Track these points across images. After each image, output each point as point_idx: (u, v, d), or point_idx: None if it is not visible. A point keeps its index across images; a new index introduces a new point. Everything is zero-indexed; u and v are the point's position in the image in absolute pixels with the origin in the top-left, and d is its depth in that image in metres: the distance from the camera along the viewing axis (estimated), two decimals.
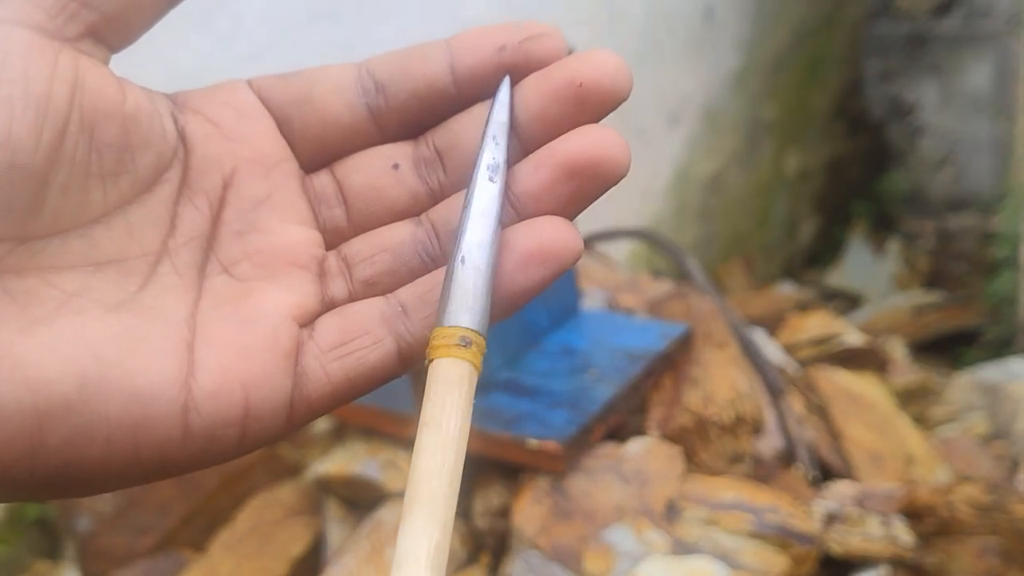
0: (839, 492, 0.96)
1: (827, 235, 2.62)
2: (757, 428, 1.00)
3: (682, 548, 0.85)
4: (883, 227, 2.59)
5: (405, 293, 0.25)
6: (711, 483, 0.91)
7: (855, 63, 2.61)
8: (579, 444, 0.88)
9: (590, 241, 1.38)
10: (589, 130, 0.25)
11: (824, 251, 2.61)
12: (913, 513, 0.92)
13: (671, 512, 0.87)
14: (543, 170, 0.25)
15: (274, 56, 1.25)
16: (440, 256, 0.26)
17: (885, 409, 1.18)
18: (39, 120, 0.22)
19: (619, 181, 0.25)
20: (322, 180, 0.27)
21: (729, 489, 0.89)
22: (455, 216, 0.25)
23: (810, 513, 0.89)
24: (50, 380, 0.21)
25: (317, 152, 0.27)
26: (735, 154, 2.26)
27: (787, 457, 1.04)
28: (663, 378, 0.98)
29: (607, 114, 0.26)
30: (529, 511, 0.85)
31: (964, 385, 1.36)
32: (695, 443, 0.94)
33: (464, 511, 0.90)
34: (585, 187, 0.25)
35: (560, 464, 0.86)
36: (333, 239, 0.27)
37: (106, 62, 0.26)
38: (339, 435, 0.98)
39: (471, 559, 0.89)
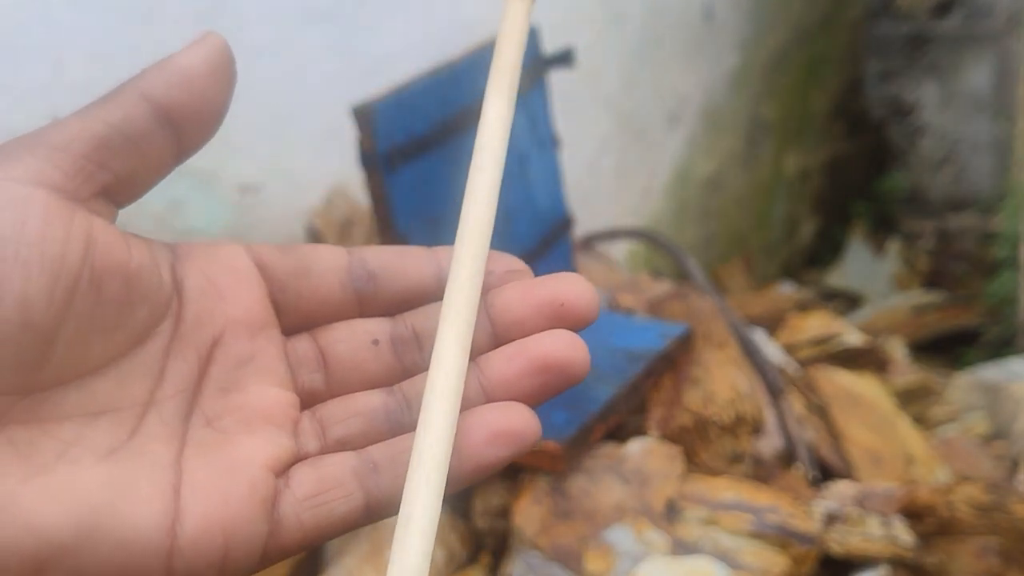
0: (839, 492, 0.96)
1: (827, 235, 2.62)
2: (757, 428, 1.00)
3: (682, 548, 0.85)
4: (883, 227, 2.59)
5: (377, 452, 0.27)
6: (711, 483, 0.91)
7: (855, 63, 2.61)
8: (579, 444, 0.88)
9: (590, 241, 1.38)
10: (561, 334, 0.28)
11: (824, 251, 2.61)
12: (913, 513, 0.92)
13: (671, 512, 0.87)
14: (516, 362, 0.28)
15: (274, 56, 1.25)
16: (411, 424, 0.28)
17: (885, 409, 1.18)
18: (53, 281, 0.24)
19: (579, 382, 0.28)
20: (304, 345, 0.29)
21: (729, 489, 0.89)
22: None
23: (810, 513, 0.89)
24: (50, 527, 0.23)
25: (302, 320, 0.29)
26: (735, 154, 2.26)
27: (787, 457, 1.04)
28: (663, 378, 0.98)
29: (579, 330, 0.29)
30: (529, 511, 0.85)
31: (964, 385, 1.36)
32: (695, 443, 0.94)
33: (464, 511, 0.90)
34: (551, 383, 0.28)
35: (560, 464, 0.86)
36: (309, 400, 0.29)
37: (114, 219, 0.28)
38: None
39: (471, 559, 0.89)
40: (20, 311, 0.23)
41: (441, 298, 0.29)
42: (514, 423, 0.27)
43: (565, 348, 0.28)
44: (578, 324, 0.28)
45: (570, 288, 0.28)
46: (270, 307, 0.29)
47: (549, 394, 0.28)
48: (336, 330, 0.29)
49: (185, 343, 0.27)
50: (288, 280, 0.29)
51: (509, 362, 0.28)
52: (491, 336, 0.29)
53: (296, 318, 0.29)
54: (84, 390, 0.25)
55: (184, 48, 0.28)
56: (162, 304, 0.27)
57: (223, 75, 0.28)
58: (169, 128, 0.27)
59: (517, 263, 0.30)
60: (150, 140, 0.27)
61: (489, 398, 0.28)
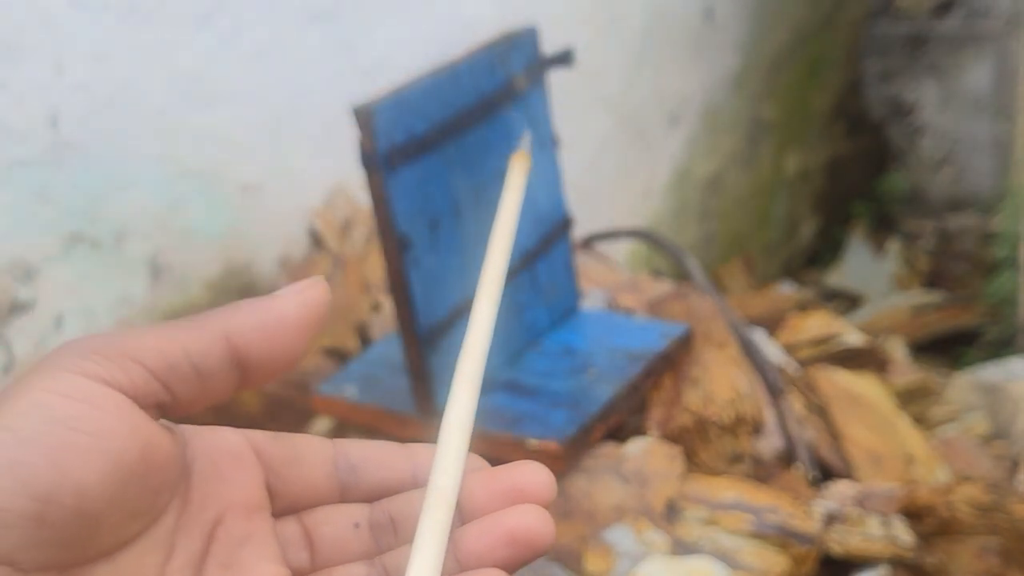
0: (839, 492, 0.96)
1: (827, 235, 2.62)
2: (757, 428, 1.00)
3: (682, 548, 0.85)
4: (883, 227, 2.59)
5: None
6: (711, 483, 0.91)
7: (855, 63, 2.61)
8: (579, 444, 0.88)
9: (590, 241, 1.38)
10: (528, 509, 0.30)
11: (824, 251, 2.60)
12: (913, 513, 0.92)
13: (671, 512, 0.87)
14: (487, 537, 0.30)
15: (274, 56, 1.25)
16: None
17: (885, 409, 1.18)
18: (110, 474, 0.27)
19: (546, 553, 0.31)
20: (292, 527, 0.32)
21: (729, 489, 0.89)
22: (404, 563, 0.30)
23: (810, 513, 0.89)
24: None
25: (290, 503, 0.32)
26: (735, 154, 2.26)
27: (787, 457, 1.04)
28: (663, 378, 0.98)
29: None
30: None
31: (964, 385, 1.36)
32: (695, 443, 0.94)
33: None
34: (521, 554, 0.30)
35: (560, 464, 0.86)
36: (296, 574, 0.32)
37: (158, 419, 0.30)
38: (339, 435, 0.98)
39: None
40: (76, 498, 0.26)
41: (413, 488, 0.32)
42: (526, 525, 0.30)
43: (532, 522, 0.30)
44: (542, 504, 0.31)
45: (529, 476, 0.31)
46: (265, 491, 0.31)
47: (519, 564, 0.30)
48: (321, 513, 0.32)
49: (192, 521, 0.30)
50: (281, 467, 0.32)
51: (481, 537, 0.30)
52: (458, 518, 0.31)
53: (285, 501, 0.32)
54: (111, 564, 0.28)
55: (285, 292, 0.31)
56: (179, 487, 0.30)
57: (311, 330, 0.31)
58: (239, 370, 0.30)
59: (478, 461, 0.33)
60: (217, 376, 0.30)
61: (463, 567, 0.30)
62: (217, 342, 0.29)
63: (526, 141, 0.45)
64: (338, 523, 0.32)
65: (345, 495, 0.32)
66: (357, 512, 0.32)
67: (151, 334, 0.29)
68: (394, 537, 0.32)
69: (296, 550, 0.31)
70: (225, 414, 1.09)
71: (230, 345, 0.29)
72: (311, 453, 0.32)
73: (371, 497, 0.32)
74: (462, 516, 0.31)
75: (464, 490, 0.31)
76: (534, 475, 0.31)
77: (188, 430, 0.31)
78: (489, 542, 0.30)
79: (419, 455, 0.33)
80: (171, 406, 0.29)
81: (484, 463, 0.33)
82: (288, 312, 0.30)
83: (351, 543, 0.32)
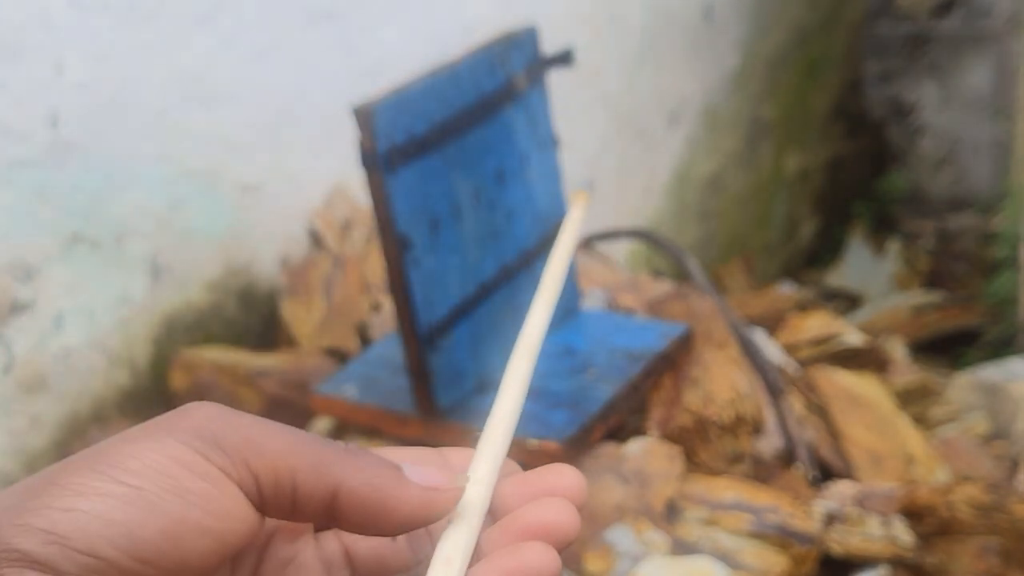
0: (839, 492, 0.96)
1: (827, 235, 2.62)
2: (757, 428, 1.00)
3: (682, 548, 0.85)
4: (883, 227, 2.59)
5: None
6: (711, 483, 0.91)
7: (855, 63, 2.61)
8: (579, 444, 0.88)
9: (590, 241, 1.38)
10: (550, 502, 0.31)
11: (824, 251, 2.60)
12: (913, 513, 0.92)
13: (671, 512, 0.87)
14: (508, 533, 0.31)
15: (274, 56, 1.25)
16: None
17: (885, 409, 1.18)
18: (213, 553, 0.28)
19: (571, 543, 0.31)
20: (332, 544, 0.33)
21: (729, 489, 0.89)
22: None
23: (810, 513, 0.89)
24: None
25: (326, 523, 0.32)
26: (735, 154, 2.26)
27: (787, 457, 1.04)
28: (663, 378, 0.98)
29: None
30: None
31: (964, 385, 1.36)
32: (695, 443, 0.94)
33: None
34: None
35: None
36: None
37: None
38: (339, 435, 0.98)
39: None
40: (175, 569, 0.27)
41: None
42: (529, 561, 0.30)
43: (553, 515, 0.31)
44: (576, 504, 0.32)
45: (560, 479, 0.32)
46: None
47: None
48: None
49: (246, 549, 0.31)
50: None
51: (502, 534, 0.31)
52: (490, 520, 0.32)
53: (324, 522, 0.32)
54: None
55: (413, 477, 0.31)
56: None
57: (410, 529, 0.31)
58: (326, 520, 0.30)
59: (512, 465, 0.34)
60: (305, 515, 0.30)
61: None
62: (325, 491, 0.29)
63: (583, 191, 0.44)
64: (375, 538, 0.32)
65: None
66: None
67: (272, 443, 0.29)
68: (430, 546, 0.31)
69: (337, 568, 0.32)
70: None
71: (335, 501, 0.29)
72: None
73: None
74: (494, 518, 0.31)
75: (496, 494, 0.31)
76: (565, 477, 0.32)
77: None
78: (510, 537, 0.30)
79: (452, 458, 0.33)
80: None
81: (517, 467, 0.33)
82: (401, 510, 0.30)
83: (388, 556, 0.32)
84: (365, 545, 0.32)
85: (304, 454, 0.29)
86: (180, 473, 0.27)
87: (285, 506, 0.29)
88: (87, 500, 0.26)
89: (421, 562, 0.32)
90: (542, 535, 0.30)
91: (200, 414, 0.29)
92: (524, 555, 0.29)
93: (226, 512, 0.28)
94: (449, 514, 0.30)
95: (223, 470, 0.28)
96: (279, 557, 0.31)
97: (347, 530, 0.30)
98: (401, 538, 0.32)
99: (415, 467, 0.30)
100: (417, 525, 0.30)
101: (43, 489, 0.27)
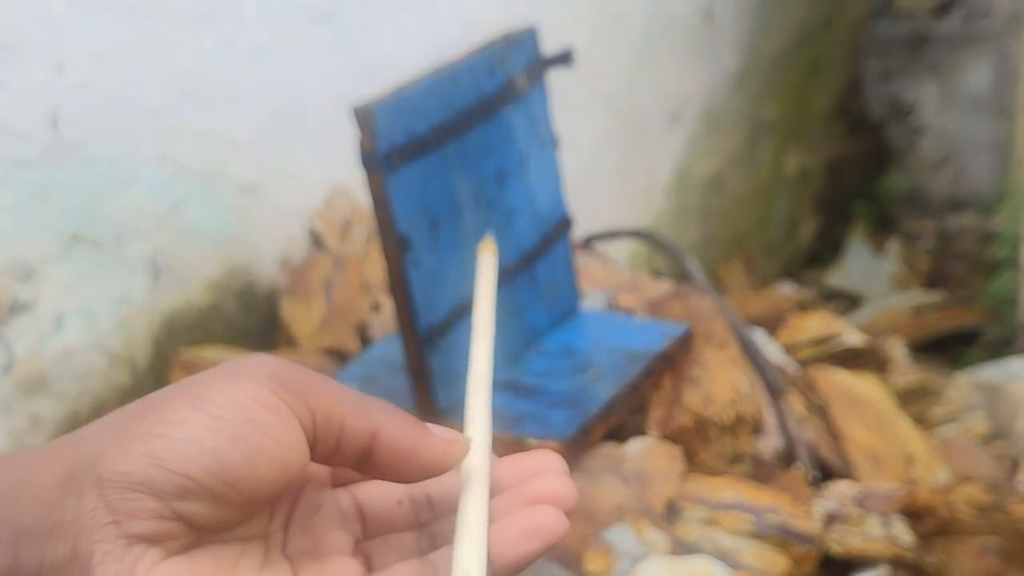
0: (839, 492, 0.96)
1: (827, 235, 2.62)
2: (757, 428, 1.00)
3: (682, 548, 0.85)
4: (883, 227, 2.59)
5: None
6: (711, 483, 0.91)
7: (855, 63, 2.61)
8: (579, 444, 0.88)
9: (590, 241, 1.38)
10: (550, 478, 0.35)
11: (824, 251, 2.60)
12: (913, 513, 0.92)
13: (671, 512, 0.87)
14: (514, 501, 0.34)
15: (274, 56, 1.25)
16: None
17: (885, 409, 1.18)
18: (279, 478, 0.32)
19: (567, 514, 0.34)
20: (347, 500, 0.36)
21: (729, 489, 0.89)
22: (448, 531, 0.35)
23: (810, 513, 0.89)
24: None
25: (341, 479, 0.37)
26: (735, 154, 2.26)
27: (787, 457, 1.04)
28: (663, 378, 0.98)
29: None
30: None
31: (964, 385, 1.36)
32: (695, 443, 0.94)
33: None
34: (545, 513, 0.34)
35: None
36: (355, 541, 0.37)
37: None
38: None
39: None
40: (252, 490, 0.31)
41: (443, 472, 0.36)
42: (543, 521, 0.33)
43: (556, 486, 0.35)
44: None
45: (544, 460, 0.36)
46: (326, 468, 0.36)
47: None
48: (368, 489, 0.37)
49: (286, 491, 0.34)
50: None
51: (512, 499, 0.34)
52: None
53: (337, 476, 0.37)
54: (244, 527, 0.33)
55: (439, 434, 0.36)
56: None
57: (427, 477, 0.35)
58: (360, 462, 0.35)
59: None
60: (344, 455, 0.34)
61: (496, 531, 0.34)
62: (367, 433, 0.33)
63: (490, 237, 0.46)
64: (385, 500, 0.36)
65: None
66: (399, 490, 0.36)
67: (326, 389, 0.33)
68: (431, 512, 0.36)
69: (351, 521, 0.36)
70: None
71: (373, 442, 0.33)
72: None
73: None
74: (493, 493, 0.35)
75: (491, 475, 0.35)
76: (549, 459, 0.36)
77: None
78: (519, 504, 0.34)
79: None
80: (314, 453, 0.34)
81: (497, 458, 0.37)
82: (425, 456, 0.34)
83: (396, 517, 0.36)
84: (375, 504, 0.36)
85: (351, 400, 0.33)
86: (257, 408, 0.31)
87: (331, 444, 0.33)
88: (181, 428, 0.30)
89: (423, 524, 0.36)
90: (548, 502, 0.34)
91: (266, 360, 0.33)
92: (538, 515, 0.33)
93: (290, 445, 0.31)
94: (458, 464, 0.35)
95: (289, 406, 0.32)
96: (308, 504, 0.35)
97: (375, 474, 0.34)
98: (406, 500, 0.36)
99: (433, 425, 0.35)
100: (435, 472, 0.34)
101: (140, 417, 0.31)
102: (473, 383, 0.41)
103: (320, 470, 0.36)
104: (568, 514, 0.34)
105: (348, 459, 0.34)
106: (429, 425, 0.35)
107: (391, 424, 0.34)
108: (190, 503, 0.30)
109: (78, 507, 0.29)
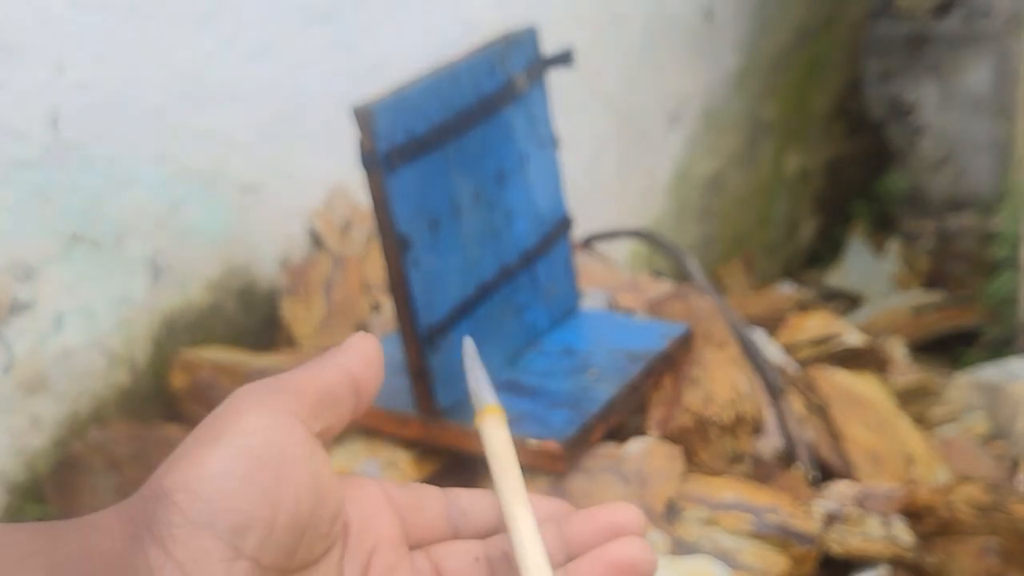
0: (839, 492, 0.96)
1: (827, 235, 2.62)
2: (757, 428, 1.00)
3: (682, 548, 0.85)
4: (883, 227, 2.59)
5: None
6: (711, 483, 0.91)
7: (855, 63, 2.61)
8: (579, 444, 0.88)
9: (590, 241, 1.38)
10: (631, 540, 0.35)
11: (824, 251, 2.60)
12: (913, 513, 0.93)
13: (671, 512, 0.87)
14: (595, 565, 0.35)
15: (274, 56, 1.25)
16: None
17: (885, 409, 1.18)
18: (313, 497, 0.33)
19: None
20: (422, 560, 0.37)
21: (729, 489, 0.89)
22: None
23: (810, 513, 0.89)
24: None
25: (416, 541, 0.37)
26: (735, 154, 2.26)
27: (787, 457, 1.04)
28: (663, 378, 0.98)
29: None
30: None
31: (964, 385, 1.36)
32: (695, 443, 0.94)
33: None
34: None
35: (560, 464, 0.86)
36: None
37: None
38: (339, 435, 0.98)
39: None
40: (294, 511, 0.32)
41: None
42: (631, 554, 0.35)
43: (635, 552, 0.35)
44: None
45: (622, 515, 0.36)
46: (400, 529, 0.37)
47: None
48: (443, 548, 0.37)
49: (353, 553, 0.35)
50: (407, 511, 0.38)
51: (592, 564, 0.35)
52: (565, 553, 0.36)
53: (412, 539, 0.37)
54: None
55: (357, 338, 0.38)
56: (342, 521, 0.36)
57: (380, 362, 0.38)
58: (356, 396, 0.37)
59: (563, 504, 0.38)
60: (345, 403, 0.36)
61: None
62: (343, 374, 0.36)
63: (489, 396, 0.41)
64: (460, 557, 0.37)
65: (457, 534, 0.38)
66: (474, 548, 0.37)
67: (301, 375, 0.35)
68: (508, 569, 0.37)
69: None
70: None
71: (350, 376, 0.36)
72: (430, 499, 0.38)
73: (479, 535, 0.38)
74: (570, 554, 0.36)
75: (566, 533, 0.36)
76: (628, 514, 0.36)
77: (342, 479, 0.37)
78: (597, 570, 0.35)
79: (462, 500, 0.39)
80: (323, 434, 0.36)
81: (569, 505, 0.38)
82: (370, 347, 0.37)
83: (473, 575, 0.37)
84: (451, 563, 0.37)
85: (314, 366, 0.36)
86: (281, 437, 0.33)
87: (332, 411, 0.35)
88: (211, 465, 0.31)
89: None
90: (629, 571, 0.35)
91: (260, 385, 0.35)
92: (621, 548, 0.34)
93: (315, 465, 0.33)
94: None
95: (298, 416, 0.34)
96: (382, 565, 0.36)
97: (366, 399, 0.37)
98: (482, 558, 0.37)
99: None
100: (380, 362, 0.38)
101: (171, 470, 0.32)
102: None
103: (393, 531, 0.37)
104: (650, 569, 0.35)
105: (351, 408, 0.36)
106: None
107: (346, 355, 0.37)
108: (247, 538, 0.31)
109: (148, 566, 0.30)
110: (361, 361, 0.37)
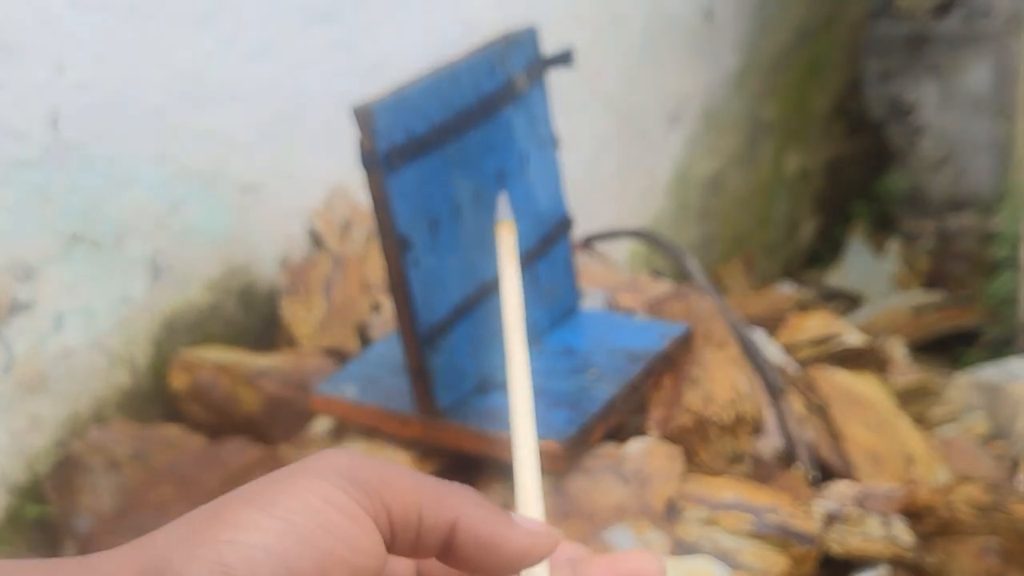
0: (839, 492, 0.96)
1: (827, 235, 2.62)
2: (757, 428, 1.00)
3: (682, 548, 0.85)
4: (883, 227, 2.59)
5: None
6: (711, 483, 0.91)
7: (855, 63, 2.61)
8: (579, 444, 0.88)
9: (590, 241, 1.38)
10: (644, 554, 0.35)
11: (824, 251, 2.61)
12: (913, 513, 0.93)
13: (671, 512, 0.87)
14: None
15: (274, 56, 1.25)
16: None
17: (885, 409, 1.18)
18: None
19: None
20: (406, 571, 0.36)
21: (729, 489, 0.89)
22: None
23: (810, 513, 0.89)
24: None
25: (443, 557, 0.35)
26: (735, 154, 2.26)
27: (787, 457, 1.04)
28: (663, 378, 0.98)
29: None
30: None
31: (964, 385, 1.36)
32: (695, 443, 0.94)
33: None
34: None
35: (560, 464, 0.86)
36: None
37: None
38: (339, 435, 0.98)
39: None
40: None
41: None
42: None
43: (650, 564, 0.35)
44: None
45: (642, 563, 0.36)
46: (412, 566, 0.36)
47: None
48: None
49: None
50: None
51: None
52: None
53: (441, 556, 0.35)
54: None
55: (522, 524, 0.35)
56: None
57: (512, 570, 0.35)
58: (442, 550, 0.34)
59: (580, 548, 0.37)
60: (425, 546, 0.34)
61: None
62: (447, 522, 0.33)
63: (504, 205, 0.45)
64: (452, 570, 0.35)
65: None
66: None
67: (402, 481, 0.33)
68: None
69: None
70: (226, 415, 1.09)
71: (453, 531, 0.33)
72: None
73: None
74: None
75: (583, 570, 0.36)
76: (649, 563, 0.36)
77: None
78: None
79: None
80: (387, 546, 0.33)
81: (584, 549, 0.37)
82: (510, 548, 0.33)
83: None
84: (440, 572, 0.35)
85: (427, 490, 0.33)
86: (328, 510, 0.31)
87: (411, 538, 0.32)
88: (249, 533, 0.30)
89: None
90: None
91: (339, 457, 0.32)
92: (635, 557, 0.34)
93: (364, 548, 0.31)
94: (545, 558, 0.34)
95: (362, 506, 0.31)
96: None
97: (459, 566, 0.33)
98: None
99: (518, 514, 0.34)
100: (521, 566, 0.33)
101: (208, 522, 0.30)
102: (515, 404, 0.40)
103: (404, 566, 0.36)
104: None
105: (429, 550, 0.33)
106: (513, 515, 0.34)
107: (471, 513, 0.33)
108: None
109: None
110: (481, 541, 0.33)
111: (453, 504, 0.33)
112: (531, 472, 0.37)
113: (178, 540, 0.30)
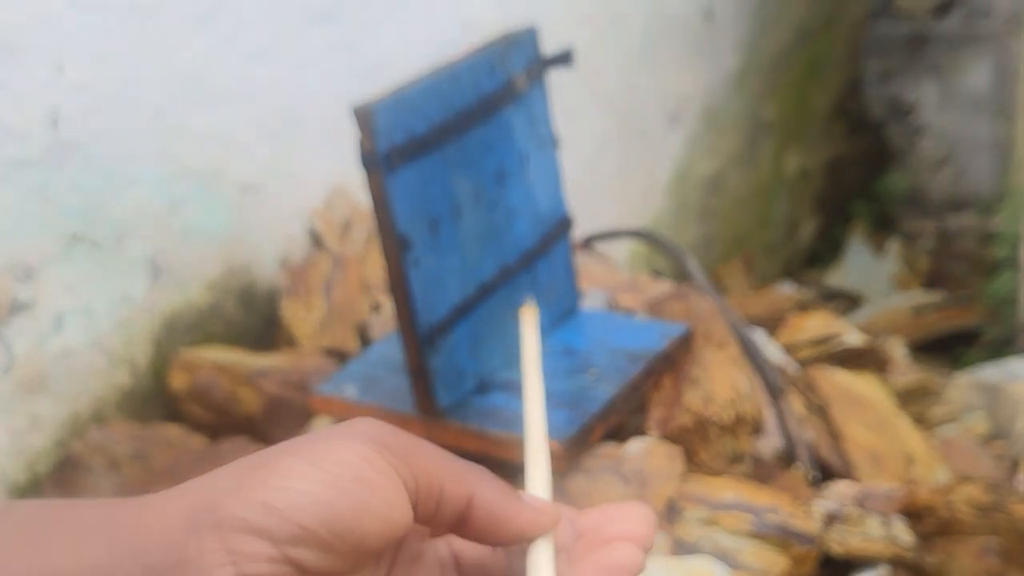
0: (839, 492, 0.96)
1: (827, 235, 2.62)
2: (757, 428, 1.00)
3: (682, 548, 0.85)
4: (883, 227, 2.59)
5: None
6: (711, 483, 0.91)
7: (855, 63, 2.61)
8: (579, 444, 0.88)
9: (590, 241, 1.38)
10: (633, 508, 0.38)
11: (824, 251, 2.60)
12: (913, 513, 0.93)
13: (671, 512, 0.87)
14: (599, 536, 0.37)
15: (274, 56, 1.25)
16: None
17: (885, 409, 1.18)
18: (383, 532, 0.34)
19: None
20: (444, 550, 0.39)
21: (729, 489, 0.89)
22: None
23: (810, 513, 0.89)
24: None
25: (456, 528, 0.38)
26: (735, 154, 2.26)
27: (787, 457, 1.04)
28: (663, 378, 0.98)
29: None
30: None
31: (964, 385, 1.36)
32: (695, 443, 0.94)
33: None
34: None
35: (560, 464, 0.86)
36: None
37: None
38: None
39: None
40: (357, 542, 0.33)
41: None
42: (619, 559, 0.36)
43: (636, 523, 0.37)
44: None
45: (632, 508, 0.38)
46: (427, 529, 0.38)
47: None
48: (462, 540, 0.38)
49: (386, 549, 0.37)
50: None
51: (588, 543, 0.37)
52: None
53: (436, 528, 0.38)
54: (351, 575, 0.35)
55: (532, 504, 0.37)
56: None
57: (518, 541, 0.38)
58: (456, 524, 0.37)
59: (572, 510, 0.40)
60: (443, 518, 0.36)
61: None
62: (464, 497, 0.36)
63: (531, 299, 0.48)
64: (479, 547, 0.38)
65: None
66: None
67: (427, 454, 0.36)
68: (523, 558, 0.37)
69: (449, 569, 0.39)
70: (226, 415, 1.09)
71: (469, 506, 0.36)
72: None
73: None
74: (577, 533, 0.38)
75: (581, 526, 0.38)
76: (634, 506, 0.38)
77: None
78: (597, 544, 0.37)
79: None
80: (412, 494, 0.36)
81: (574, 511, 0.39)
82: (519, 522, 0.36)
83: (490, 563, 0.38)
84: (471, 553, 0.39)
85: (450, 465, 0.36)
86: (366, 467, 0.33)
87: (431, 507, 0.35)
88: (296, 480, 0.33)
89: (517, 571, 0.38)
90: (625, 540, 0.36)
91: (374, 424, 0.35)
92: (615, 553, 0.36)
93: (395, 502, 0.34)
94: (548, 532, 0.36)
95: (395, 468, 0.34)
96: (410, 553, 0.38)
97: (469, 537, 0.36)
98: (499, 549, 0.38)
99: (525, 493, 0.37)
100: (527, 538, 0.36)
101: (257, 469, 0.33)
102: (531, 457, 0.41)
103: (441, 545, 0.39)
104: (647, 551, 0.36)
105: (446, 521, 0.36)
106: (520, 493, 0.37)
107: (486, 490, 0.36)
108: (301, 549, 0.32)
109: (200, 547, 0.32)
110: (494, 515, 0.36)
111: (471, 481, 0.36)
112: (540, 458, 0.40)
113: (228, 484, 0.33)
